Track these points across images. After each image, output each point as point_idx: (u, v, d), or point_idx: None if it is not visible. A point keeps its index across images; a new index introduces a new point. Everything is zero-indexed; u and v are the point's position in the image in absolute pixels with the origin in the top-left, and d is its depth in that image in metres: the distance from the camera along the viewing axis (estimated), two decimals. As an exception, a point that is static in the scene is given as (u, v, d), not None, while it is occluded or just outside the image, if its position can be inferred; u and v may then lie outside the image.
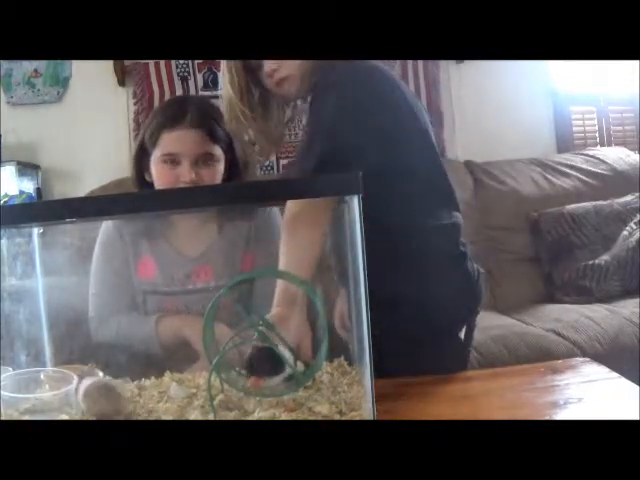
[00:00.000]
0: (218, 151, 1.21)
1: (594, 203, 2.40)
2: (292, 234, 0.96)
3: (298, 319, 0.86)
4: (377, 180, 0.96)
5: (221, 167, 1.23)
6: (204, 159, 1.19)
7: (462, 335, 1.11)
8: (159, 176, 1.20)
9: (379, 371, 0.70)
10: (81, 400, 0.77)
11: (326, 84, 1.01)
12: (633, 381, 0.88)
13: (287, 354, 0.77)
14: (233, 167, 1.25)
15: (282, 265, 0.94)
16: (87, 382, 0.79)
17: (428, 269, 1.05)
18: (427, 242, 1.06)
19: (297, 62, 1.06)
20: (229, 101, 1.09)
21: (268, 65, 1.07)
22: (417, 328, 1.02)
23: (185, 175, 1.17)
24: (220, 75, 1.12)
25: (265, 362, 0.76)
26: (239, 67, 1.08)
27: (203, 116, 1.20)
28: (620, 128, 3.00)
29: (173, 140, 1.18)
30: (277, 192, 0.72)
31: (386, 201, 0.97)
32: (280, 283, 0.90)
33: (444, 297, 1.05)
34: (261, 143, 1.16)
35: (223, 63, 1.10)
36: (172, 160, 1.18)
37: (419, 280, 1.04)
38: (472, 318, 1.13)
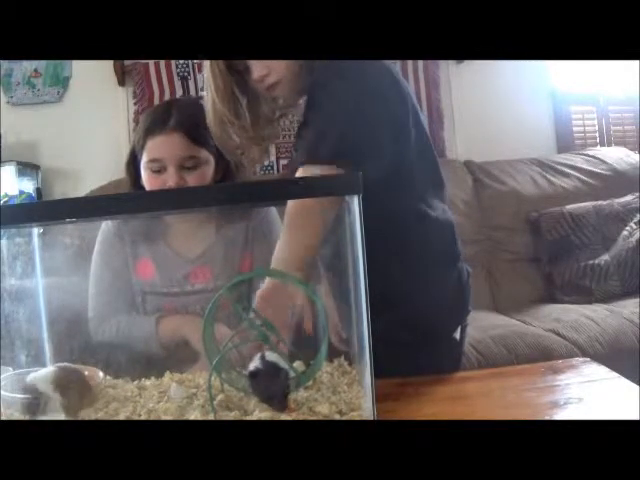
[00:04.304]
0: (204, 154, 1.20)
1: (594, 203, 2.40)
2: (288, 228, 0.95)
3: (292, 290, 0.88)
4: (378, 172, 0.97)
5: (209, 170, 1.21)
6: (189, 163, 1.18)
7: (457, 335, 1.11)
8: (147, 182, 1.20)
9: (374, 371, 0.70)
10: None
11: (326, 79, 1.00)
12: (633, 381, 0.88)
13: (287, 354, 0.77)
14: (224, 169, 1.24)
15: (273, 257, 0.94)
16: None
17: (424, 267, 1.05)
18: (424, 240, 1.06)
19: (286, 65, 1.04)
20: (213, 108, 1.07)
21: (257, 71, 1.05)
22: (412, 328, 1.02)
23: (169, 180, 1.16)
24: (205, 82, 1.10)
25: (271, 378, 0.73)
26: (225, 73, 1.05)
27: (186, 119, 1.18)
28: (620, 128, 3.00)
29: (156, 145, 1.18)
30: (277, 192, 0.72)
31: (386, 194, 0.97)
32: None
33: (439, 296, 1.05)
34: (250, 151, 1.15)
35: (207, 70, 1.07)
36: (158, 166, 1.18)
37: (414, 279, 1.04)
38: (464, 317, 1.13)
